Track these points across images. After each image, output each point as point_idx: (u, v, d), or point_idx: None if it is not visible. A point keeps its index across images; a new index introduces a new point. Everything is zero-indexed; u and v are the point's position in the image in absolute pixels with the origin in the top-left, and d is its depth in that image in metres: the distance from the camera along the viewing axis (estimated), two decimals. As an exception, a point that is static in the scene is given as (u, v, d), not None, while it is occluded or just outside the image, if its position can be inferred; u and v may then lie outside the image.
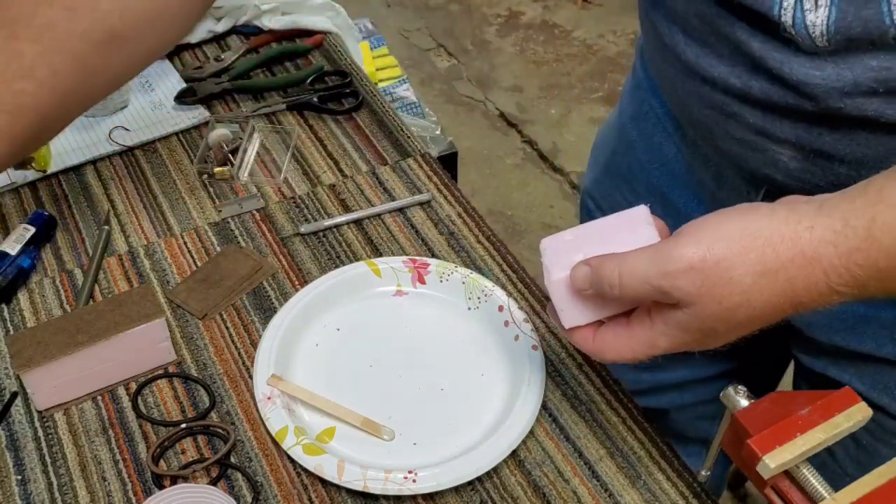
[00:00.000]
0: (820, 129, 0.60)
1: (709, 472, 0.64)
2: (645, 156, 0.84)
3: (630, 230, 0.58)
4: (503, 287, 0.82)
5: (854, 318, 0.72)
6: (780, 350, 0.86)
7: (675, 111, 0.75)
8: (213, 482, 0.69)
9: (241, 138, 0.96)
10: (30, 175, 0.94)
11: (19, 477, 0.69)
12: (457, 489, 0.68)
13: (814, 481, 0.53)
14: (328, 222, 0.89)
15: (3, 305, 0.81)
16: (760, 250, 0.49)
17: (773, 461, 0.51)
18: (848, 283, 0.49)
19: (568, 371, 0.76)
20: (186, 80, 1.06)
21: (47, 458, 0.70)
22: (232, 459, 0.70)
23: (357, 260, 0.84)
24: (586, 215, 0.97)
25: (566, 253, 0.59)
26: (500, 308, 0.78)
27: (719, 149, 0.70)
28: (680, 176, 0.81)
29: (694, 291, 0.50)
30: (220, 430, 0.72)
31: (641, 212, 0.59)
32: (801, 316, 0.75)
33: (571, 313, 0.59)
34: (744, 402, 0.55)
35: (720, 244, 0.50)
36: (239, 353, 0.78)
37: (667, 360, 0.57)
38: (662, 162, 0.82)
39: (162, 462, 0.70)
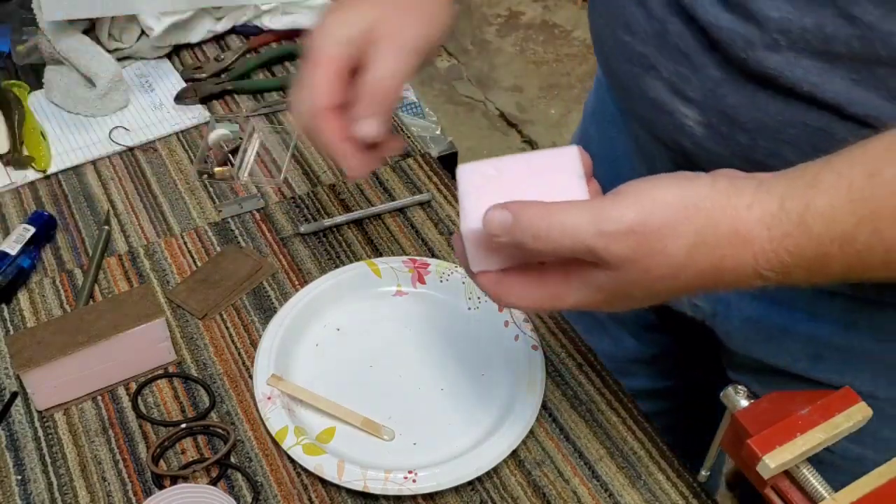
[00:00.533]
0: (724, 90, 0.59)
1: (708, 472, 0.64)
2: (599, 151, 0.84)
3: (559, 176, 0.53)
4: (503, 287, 0.82)
5: (770, 330, 0.71)
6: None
7: (605, 73, 0.74)
8: (213, 482, 0.69)
9: (241, 138, 0.96)
10: (30, 175, 0.94)
11: (19, 477, 0.69)
12: (457, 489, 0.68)
13: (814, 481, 0.53)
14: (328, 222, 0.89)
15: (3, 305, 0.81)
16: (701, 222, 0.48)
17: (773, 461, 0.51)
18: (775, 268, 0.48)
19: (568, 371, 0.76)
20: (186, 80, 1.06)
21: (47, 458, 0.70)
22: (232, 459, 0.70)
23: (357, 260, 0.84)
24: None
25: (486, 193, 0.53)
26: (500, 308, 0.78)
27: (637, 115, 0.69)
28: (625, 173, 0.80)
29: (625, 256, 0.48)
30: (220, 430, 0.72)
31: (571, 155, 0.54)
32: (720, 327, 0.75)
33: (481, 257, 0.54)
34: (744, 402, 0.55)
35: (661, 211, 0.48)
36: (239, 353, 0.78)
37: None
38: (612, 158, 0.81)
39: (162, 462, 0.70)
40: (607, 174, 0.82)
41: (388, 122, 0.64)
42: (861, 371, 0.68)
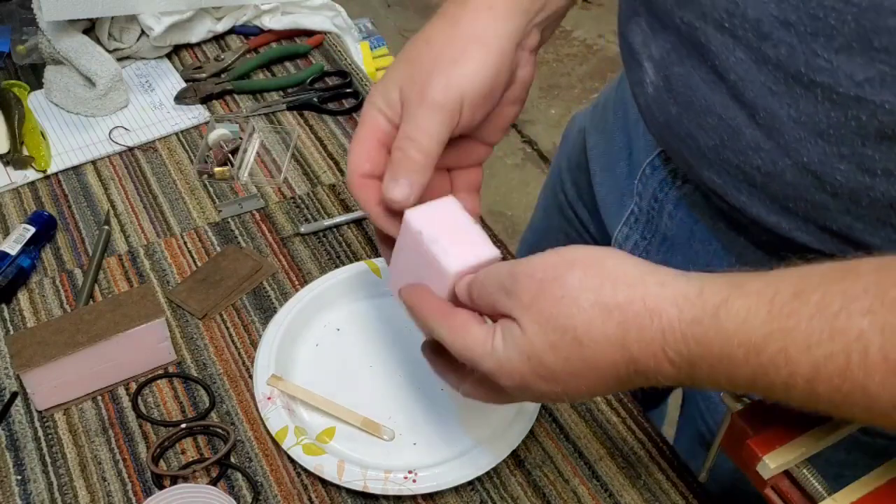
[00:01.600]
0: (673, 50, 0.59)
1: (709, 474, 0.64)
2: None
3: (462, 240, 0.57)
4: (503, 287, 0.82)
5: None
6: None
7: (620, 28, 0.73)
8: (213, 482, 0.69)
9: (240, 138, 0.96)
10: (30, 175, 0.94)
11: (19, 477, 0.69)
12: (457, 489, 0.68)
13: (814, 481, 0.53)
14: (328, 222, 0.89)
15: (3, 305, 0.81)
16: (599, 284, 0.48)
17: (773, 461, 0.51)
18: (681, 352, 0.46)
19: (568, 371, 0.76)
20: (186, 80, 1.06)
21: (47, 458, 0.70)
22: (232, 459, 0.70)
23: (357, 260, 0.84)
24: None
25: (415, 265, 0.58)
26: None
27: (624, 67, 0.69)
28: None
29: (530, 300, 0.50)
30: (219, 431, 0.72)
31: (452, 204, 0.59)
32: None
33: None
34: (744, 402, 0.55)
35: (565, 265, 0.49)
36: (239, 353, 0.78)
37: None
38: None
39: (162, 462, 0.70)
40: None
41: (420, 185, 0.59)
42: None
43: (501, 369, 0.52)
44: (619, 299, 0.47)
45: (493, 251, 0.56)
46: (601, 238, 0.85)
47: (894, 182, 0.51)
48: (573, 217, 0.92)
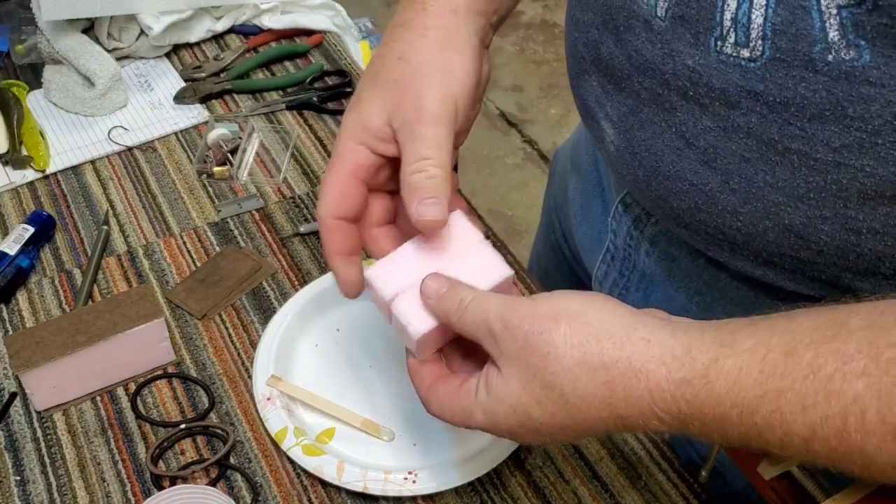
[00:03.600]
0: (631, 114, 0.58)
1: (709, 474, 0.64)
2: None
3: (462, 243, 0.57)
4: (503, 287, 0.82)
5: None
6: None
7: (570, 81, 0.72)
8: (213, 483, 0.69)
9: (240, 138, 0.96)
10: (29, 175, 0.94)
11: (18, 478, 0.69)
12: (457, 490, 0.68)
13: (814, 482, 0.52)
14: (328, 222, 0.88)
15: (2, 305, 0.81)
16: (584, 341, 0.47)
17: (773, 462, 0.51)
18: (671, 412, 0.45)
19: (568, 371, 0.76)
20: (185, 80, 1.06)
21: (46, 458, 0.70)
22: (231, 460, 0.70)
23: (357, 260, 0.84)
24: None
25: (410, 292, 0.56)
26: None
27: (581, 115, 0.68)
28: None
29: (516, 350, 0.49)
30: (219, 431, 0.71)
31: (459, 218, 0.57)
32: None
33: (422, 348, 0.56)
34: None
35: (550, 319, 0.48)
36: (238, 354, 0.77)
37: None
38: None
39: (161, 463, 0.70)
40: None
41: (448, 199, 0.56)
42: None
43: (491, 419, 0.51)
44: (605, 358, 0.47)
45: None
46: (586, 277, 0.84)
47: (881, 239, 0.51)
48: (563, 256, 0.91)
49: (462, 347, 0.57)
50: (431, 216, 0.54)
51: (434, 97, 0.56)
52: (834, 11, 0.44)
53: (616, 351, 0.46)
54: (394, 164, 0.59)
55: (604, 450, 0.71)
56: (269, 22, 1.12)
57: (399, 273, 0.56)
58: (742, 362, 0.44)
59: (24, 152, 0.95)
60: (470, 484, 0.68)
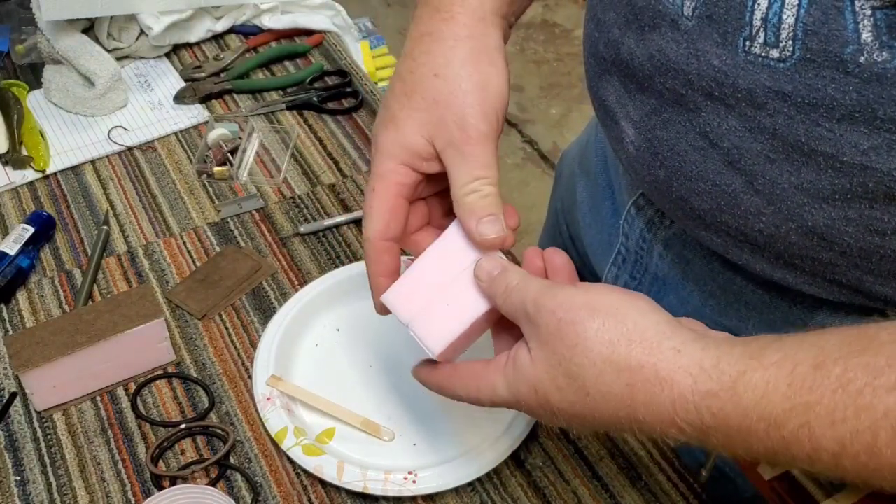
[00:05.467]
0: (654, 114, 0.58)
1: (709, 474, 0.64)
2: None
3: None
4: (503, 287, 0.81)
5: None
6: None
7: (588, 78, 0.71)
8: (213, 483, 0.69)
9: (240, 138, 0.96)
10: (29, 175, 0.94)
11: (18, 478, 0.69)
12: (457, 490, 0.68)
13: (814, 482, 0.52)
14: (328, 222, 0.88)
15: (2, 306, 0.81)
16: (615, 339, 0.47)
17: (774, 462, 0.51)
18: (693, 422, 0.45)
19: (568, 371, 0.76)
20: (185, 80, 1.06)
21: (46, 458, 0.70)
22: (231, 460, 0.70)
23: (357, 260, 0.84)
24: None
25: (431, 307, 0.58)
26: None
27: (597, 116, 0.68)
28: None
29: (546, 335, 0.50)
30: (219, 431, 0.71)
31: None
32: None
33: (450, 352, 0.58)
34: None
35: (587, 311, 0.49)
36: (238, 354, 0.77)
37: None
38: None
39: (161, 463, 0.70)
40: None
41: (503, 214, 0.58)
42: None
43: (514, 396, 0.53)
44: (632, 362, 0.47)
45: (474, 311, 0.56)
46: (594, 280, 0.83)
47: None
48: (570, 258, 0.91)
49: (510, 333, 0.57)
50: (494, 234, 0.56)
51: (476, 115, 0.56)
52: (868, 13, 0.44)
53: (644, 356, 0.46)
54: (431, 177, 0.60)
55: (604, 450, 0.71)
56: (269, 22, 1.12)
57: (414, 295, 0.58)
58: (770, 375, 0.43)
59: (24, 152, 0.95)
60: (470, 484, 0.68)
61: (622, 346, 0.47)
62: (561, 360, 0.49)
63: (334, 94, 1.04)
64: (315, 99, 1.02)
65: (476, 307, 0.56)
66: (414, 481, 0.67)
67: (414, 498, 0.68)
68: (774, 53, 0.48)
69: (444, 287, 0.58)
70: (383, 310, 0.61)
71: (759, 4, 0.48)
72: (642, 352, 0.47)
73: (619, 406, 0.47)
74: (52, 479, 0.69)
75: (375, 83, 1.22)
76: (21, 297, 0.82)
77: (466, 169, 0.56)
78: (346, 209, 0.90)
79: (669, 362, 0.46)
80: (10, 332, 0.79)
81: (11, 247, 0.83)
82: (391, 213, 0.59)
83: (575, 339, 0.48)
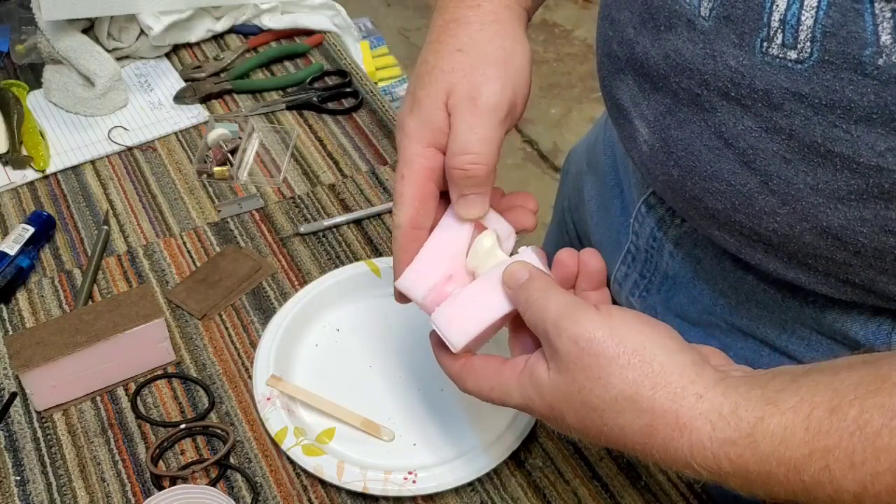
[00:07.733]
0: (669, 113, 0.57)
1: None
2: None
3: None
4: (503, 287, 0.81)
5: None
6: None
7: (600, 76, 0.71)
8: (213, 483, 0.69)
9: (240, 138, 0.96)
10: (29, 175, 0.94)
11: (18, 478, 0.69)
12: (457, 490, 0.68)
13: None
14: (328, 222, 0.88)
15: (2, 306, 0.81)
16: (639, 380, 0.47)
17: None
18: (710, 468, 0.45)
19: (568, 371, 0.76)
20: (185, 80, 1.06)
21: (46, 458, 0.70)
22: (231, 460, 0.70)
23: (357, 260, 0.84)
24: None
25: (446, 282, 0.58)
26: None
27: (610, 116, 0.68)
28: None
29: (566, 361, 0.49)
30: (219, 431, 0.71)
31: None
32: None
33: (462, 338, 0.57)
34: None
35: (613, 344, 0.48)
36: (238, 354, 0.77)
37: None
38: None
39: (161, 463, 0.70)
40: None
41: (489, 194, 0.59)
42: None
43: (527, 405, 0.53)
44: (654, 405, 0.47)
45: (499, 309, 0.56)
46: None
47: None
48: None
49: (530, 334, 0.57)
50: (469, 213, 0.58)
51: (491, 87, 0.56)
52: (888, 15, 0.43)
53: (667, 402, 0.46)
54: None
55: (604, 450, 0.71)
56: (269, 22, 1.12)
57: (429, 272, 0.59)
58: (787, 420, 0.44)
59: (24, 152, 0.95)
60: (470, 484, 0.68)
61: (646, 389, 0.47)
62: (581, 390, 0.49)
63: (334, 94, 1.04)
64: (315, 99, 1.02)
65: (501, 306, 0.56)
66: (414, 481, 0.67)
67: (414, 498, 0.68)
68: (792, 55, 0.48)
69: (457, 258, 0.58)
70: (402, 298, 0.61)
71: (777, 6, 0.48)
72: (666, 397, 0.46)
73: (635, 441, 0.48)
74: (51, 479, 0.69)
75: (375, 83, 1.22)
76: (21, 297, 0.82)
77: (463, 139, 0.56)
78: (346, 209, 0.90)
79: (690, 409, 0.46)
80: (10, 332, 0.79)
81: (11, 247, 0.83)
82: (421, 199, 0.58)
83: (598, 372, 0.48)
